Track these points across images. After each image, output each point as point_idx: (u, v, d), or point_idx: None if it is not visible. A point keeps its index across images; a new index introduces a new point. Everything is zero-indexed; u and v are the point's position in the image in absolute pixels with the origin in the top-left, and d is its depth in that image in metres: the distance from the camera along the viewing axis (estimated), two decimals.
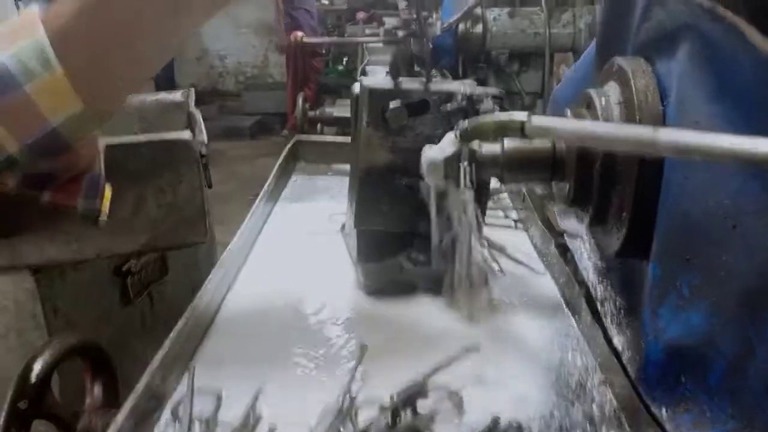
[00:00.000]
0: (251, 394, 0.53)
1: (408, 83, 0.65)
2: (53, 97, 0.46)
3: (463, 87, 0.67)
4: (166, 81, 5.14)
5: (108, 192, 0.53)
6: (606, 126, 0.42)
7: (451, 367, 0.54)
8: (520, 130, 0.50)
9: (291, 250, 0.82)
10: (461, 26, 2.13)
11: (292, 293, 0.70)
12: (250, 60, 6.94)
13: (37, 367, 0.72)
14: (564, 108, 0.86)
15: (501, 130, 0.54)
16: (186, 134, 0.92)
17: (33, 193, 0.49)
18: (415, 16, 0.60)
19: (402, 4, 2.90)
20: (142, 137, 0.91)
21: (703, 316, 0.48)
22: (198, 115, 1.08)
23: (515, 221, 0.92)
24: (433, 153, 0.64)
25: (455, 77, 2.23)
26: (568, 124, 0.46)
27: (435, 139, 0.66)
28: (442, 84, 0.67)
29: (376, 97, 0.64)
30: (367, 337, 0.61)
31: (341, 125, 2.82)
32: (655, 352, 0.54)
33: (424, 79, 0.66)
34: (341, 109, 2.67)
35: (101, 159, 0.51)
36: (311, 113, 2.67)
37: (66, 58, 0.46)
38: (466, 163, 0.61)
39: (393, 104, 0.64)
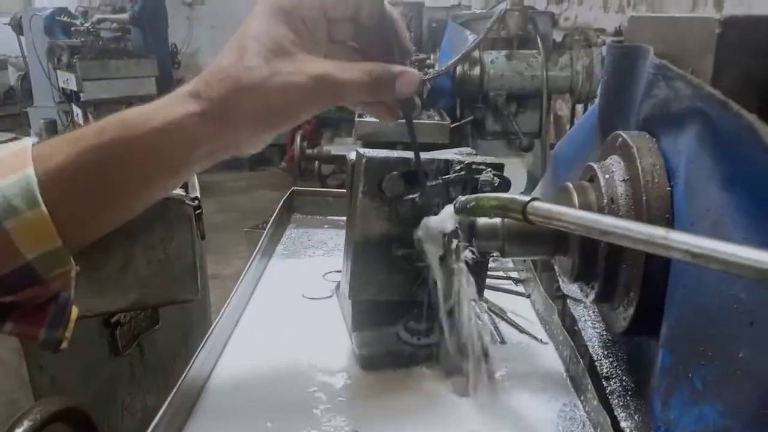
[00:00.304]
0: None
1: (405, 153, 0.64)
2: (32, 234, 0.45)
3: (461, 156, 0.65)
4: None
5: (74, 314, 0.51)
6: (613, 220, 0.40)
7: None
8: (521, 213, 0.48)
9: (283, 316, 0.79)
10: (459, 68, 2.13)
11: (282, 368, 0.67)
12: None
13: None
14: (565, 170, 0.85)
15: (501, 210, 0.51)
16: (178, 190, 0.90)
17: None
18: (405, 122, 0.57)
19: None
20: None
21: (718, 413, 0.45)
22: None
23: (515, 281, 0.89)
24: (432, 225, 0.62)
25: (453, 118, 2.23)
26: (572, 213, 0.43)
27: (433, 209, 0.64)
28: (440, 153, 0.66)
29: (372, 166, 0.62)
30: (361, 420, 0.58)
31: (339, 163, 2.83)
32: None
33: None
34: (339, 148, 2.68)
35: (72, 284, 0.49)
36: (309, 151, 2.68)
37: (52, 200, 0.45)
38: (463, 239, 0.59)
39: (389, 174, 0.62)
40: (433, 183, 0.64)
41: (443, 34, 2.41)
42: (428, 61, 2.30)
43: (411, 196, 0.64)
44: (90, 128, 0.49)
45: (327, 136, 4.39)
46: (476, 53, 2.13)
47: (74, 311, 0.51)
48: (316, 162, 2.59)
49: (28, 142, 0.48)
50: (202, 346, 0.64)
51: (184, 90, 0.50)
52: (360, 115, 2.04)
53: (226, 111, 0.48)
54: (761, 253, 0.32)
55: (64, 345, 0.51)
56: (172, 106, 0.49)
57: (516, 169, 2.28)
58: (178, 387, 0.58)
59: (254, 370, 0.67)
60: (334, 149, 2.54)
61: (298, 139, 2.62)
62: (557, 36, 2.32)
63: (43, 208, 0.44)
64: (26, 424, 0.73)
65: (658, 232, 0.37)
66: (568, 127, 2.71)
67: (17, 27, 5.38)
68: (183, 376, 0.60)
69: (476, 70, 2.15)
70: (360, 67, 0.50)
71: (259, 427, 0.58)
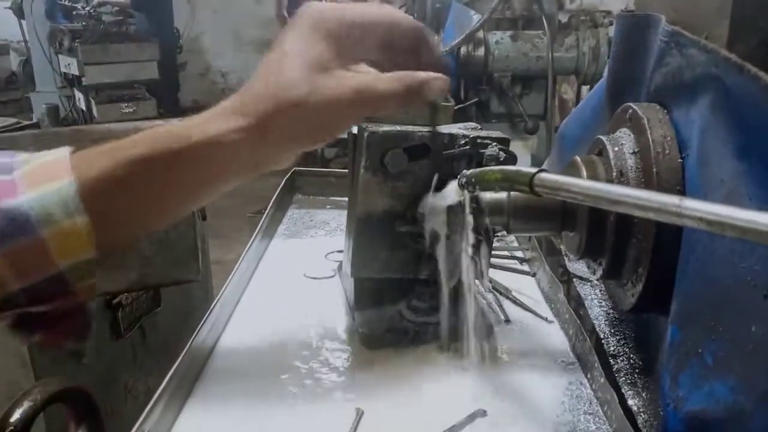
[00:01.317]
0: None
1: (408, 127, 0.62)
2: (67, 244, 0.45)
3: (466, 130, 0.64)
4: (169, 98, 5.13)
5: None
6: (624, 189, 0.39)
7: None
8: (528, 185, 0.47)
9: (284, 295, 0.78)
10: (463, 49, 2.10)
11: (284, 347, 0.66)
12: (252, 75, 6.95)
13: (16, 416, 0.69)
14: (571, 148, 0.83)
15: (507, 183, 0.50)
16: None
17: (23, 332, 0.48)
18: None
19: None
20: None
21: (729, 389, 0.44)
22: None
23: (520, 260, 0.88)
24: (436, 200, 0.61)
25: (457, 100, 2.20)
26: (580, 184, 0.42)
27: (437, 185, 0.62)
28: (445, 127, 0.64)
29: (375, 141, 0.61)
30: (365, 399, 0.57)
31: (342, 146, 2.81)
32: (675, 421, 0.50)
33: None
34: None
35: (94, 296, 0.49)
36: None
37: (89, 209, 0.45)
38: (469, 213, 0.58)
39: (392, 149, 0.61)
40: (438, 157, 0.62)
41: (447, 15, 2.38)
42: None
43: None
44: (131, 139, 0.49)
45: None
46: (480, 34, 2.10)
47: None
48: None
49: (64, 151, 0.48)
50: (203, 323, 0.64)
51: (225, 106, 0.51)
52: None
53: (269, 127, 0.49)
54: None
55: (85, 361, 0.52)
56: (214, 121, 0.49)
57: (520, 152, 2.26)
58: (179, 362, 0.57)
59: (255, 347, 0.66)
60: None
61: None
62: (563, 17, 2.29)
63: (82, 217, 0.45)
64: (26, 404, 0.73)
65: (671, 200, 0.36)
66: (575, 108, 2.67)
67: (18, 11, 5.34)
68: (184, 351, 0.59)
69: (481, 51, 2.12)
70: (392, 77, 0.52)
71: (260, 403, 0.57)
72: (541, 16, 2.13)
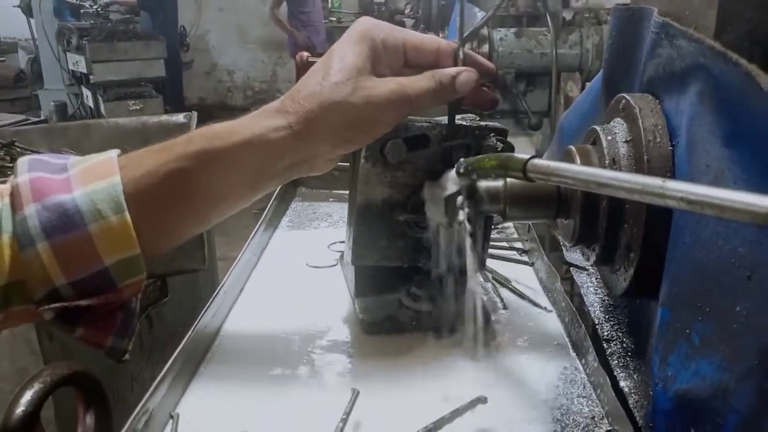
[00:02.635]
0: None
1: (408, 118, 0.64)
2: (114, 240, 0.46)
3: (465, 121, 0.65)
4: (175, 96, 5.17)
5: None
6: (611, 173, 0.40)
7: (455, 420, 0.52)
8: (521, 171, 0.48)
9: (287, 283, 0.80)
10: (467, 46, 2.11)
11: (286, 332, 0.68)
12: (259, 75, 6.99)
13: (25, 399, 0.71)
14: (570, 139, 0.85)
15: (502, 170, 0.52)
16: None
17: (67, 327, 0.49)
18: None
19: (409, 23, 2.91)
20: None
21: (715, 367, 0.46)
22: None
23: (519, 251, 0.89)
24: (434, 190, 0.63)
25: None
26: (571, 169, 0.43)
27: (435, 175, 0.64)
28: (444, 118, 0.66)
29: None
30: (363, 381, 0.59)
31: None
32: (664, 400, 0.52)
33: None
34: None
35: (138, 297, 0.51)
36: None
37: (136, 207, 0.47)
38: (466, 202, 0.59)
39: (392, 139, 0.62)
40: (437, 148, 0.64)
41: (452, 12, 2.39)
42: None
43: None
44: (177, 140, 0.51)
45: None
46: (485, 31, 2.11)
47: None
48: None
49: (113, 153, 0.50)
50: (207, 308, 0.65)
51: (271, 107, 0.53)
52: None
53: (311, 125, 0.51)
54: (756, 197, 0.32)
55: (127, 357, 0.53)
56: (259, 120, 0.52)
57: (524, 148, 2.27)
58: (183, 345, 0.59)
59: (258, 332, 0.68)
60: None
61: None
62: (568, 15, 2.29)
63: (128, 214, 0.46)
64: (36, 386, 0.75)
65: (654, 182, 0.37)
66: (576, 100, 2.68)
67: (27, 9, 5.39)
68: (187, 335, 0.61)
69: (485, 48, 2.13)
70: (425, 74, 0.56)
71: (261, 385, 0.59)
72: (545, 13, 2.14)
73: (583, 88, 2.50)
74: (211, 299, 0.67)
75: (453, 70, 0.58)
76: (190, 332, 0.61)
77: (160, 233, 0.50)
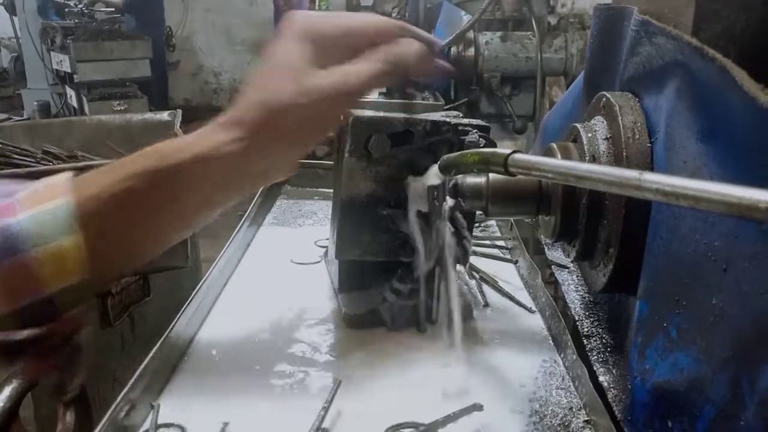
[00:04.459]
0: (217, 430, 0.51)
1: (392, 113, 0.64)
2: (59, 264, 0.43)
3: (448, 117, 0.66)
4: (160, 96, 5.13)
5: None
6: (590, 166, 0.41)
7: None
8: (503, 166, 0.49)
9: (271, 278, 0.80)
10: (453, 49, 2.13)
11: (269, 325, 0.68)
12: (245, 76, 6.96)
13: (4, 396, 0.70)
14: (552, 139, 0.86)
15: (483, 165, 0.52)
16: None
17: (5, 359, 0.46)
18: None
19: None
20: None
21: (692, 359, 0.46)
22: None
23: (501, 249, 0.90)
24: (417, 185, 0.63)
25: (447, 100, 2.23)
26: (551, 163, 0.44)
27: (419, 170, 0.65)
28: (427, 114, 0.66)
29: (359, 126, 0.63)
30: (345, 372, 0.59)
31: (332, 144, 2.82)
32: (642, 393, 0.52)
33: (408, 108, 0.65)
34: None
35: (83, 331, 0.48)
36: None
37: (86, 228, 0.44)
38: (448, 197, 0.60)
39: (376, 134, 0.63)
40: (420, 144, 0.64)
41: (438, 15, 2.41)
42: None
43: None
44: (132, 157, 0.49)
45: None
46: (471, 34, 2.13)
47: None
48: None
49: (66, 175, 0.48)
50: (189, 302, 0.65)
51: (220, 121, 0.52)
52: None
53: (262, 134, 0.50)
54: (730, 188, 0.33)
55: (74, 391, 0.50)
56: (211, 135, 0.51)
57: None
58: (164, 339, 0.59)
59: (241, 327, 0.68)
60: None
61: None
62: (553, 19, 2.32)
63: (75, 236, 0.43)
64: (14, 383, 0.74)
65: (631, 174, 0.38)
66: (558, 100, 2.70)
67: (10, 7, 5.33)
68: (169, 328, 0.61)
69: (471, 51, 2.15)
70: (370, 57, 0.54)
71: (242, 379, 0.59)
72: (531, 17, 2.16)
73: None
74: (194, 293, 0.67)
75: (396, 45, 0.56)
76: (172, 325, 0.61)
77: (117, 254, 0.48)
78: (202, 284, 0.69)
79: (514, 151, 0.49)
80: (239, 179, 0.52)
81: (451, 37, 2.11)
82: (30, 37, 5.00)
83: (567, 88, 2.45)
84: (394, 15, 3.85)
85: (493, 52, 2.15)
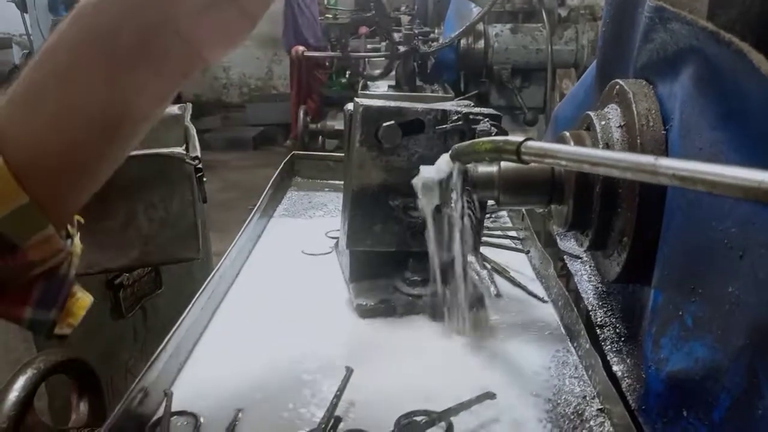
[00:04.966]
0: (230, 418, 0.51)
1: (402, 103, 0.64)
2: None
3: (459, 106, 0.66)
4: None
5: (83, 300, 0.46)
6: (604, 152, 0.40)
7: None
8: (516, 153, 0.49)
9: (283, 269, 0.80)
10: (463, 41, 2.12)
11: (280, 315, 0.68)
12: (254, 72, 6.96)
13: (18, 385, 0.70)
14: (563, 128, 0.85)
15: (496, 153, 0.52)
16: (179, 149, 0.90)
17: None
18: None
19: (405, 20, 2.89)
20: (135, 151, 0.89)
21: (707, 348, 0.46)
22: (192, 130, 1.06)
23: (514, 239, 0.90)
24: (428, 173, 0.63)
25: (457, 92, 2.22)
26: (565, 149, 0.44)
27: (430, 159, 0.64)
28: (438, 104, 0.66)
29: (370, 115, 0.63)
30: (357, 362, 0.59)
31: (342, 138, 2.82)
32: (656, 382, 0.52)
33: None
34: (342, 122, 2.68)
35: (72, 261, 0.43)
36: (312, 126, 2.68)
37: (3, 146, 0.39)
38: (460, 186, 0.60)
39: (386, 123, 0.62)
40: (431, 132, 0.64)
41: (448, 7, 2.40)
42: (432, 35, 2.29)
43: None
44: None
45: (331, 114, 4.35)
46: (481, 26, 2.11)
47: (84, 298, 0.46)
48: (320, 137, 2.59)
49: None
50: (201, 292, 0.65)
51: None
52: (363, 87, 2.03)
53: None
54: (748, 172, 0.33)
55: (65, 331, 0.45)
56: None
57: None
58: (177, 327, 0.59)
59: (252, 316, 0.68)
60: (338, 124, 2.54)
61: (301, 114, 2.62)
62: (563, 11, 2.30)
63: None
64: (29, 372, 0.74)
65: (647, 159, 0.37)
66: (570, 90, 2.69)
67: (21, 4, 5.36)
68: (181, 318, 0.61)
69: (481, 44, 2.14)
70: None
71: (254, 368, 0.59)
72: (541, 9, 2.15)
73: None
74: (206, 283, 0.67)
75: None
76: (185, 313, 0.61)
77: (46, 172, 0.41)
78: (214, 274, 0.70)
79: (527, 139, 0.49)
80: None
81: (460, 30, 2.11)
82: (41, 34, 5.02)
83: (578, 79, 2.44)
84: (403, 9, 3.83)
85: (503, 45, 2.14)
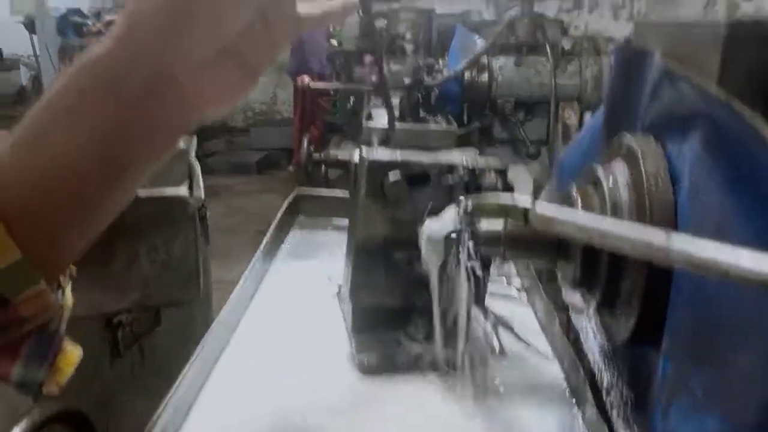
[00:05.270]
0: None
1: (409, 155, 0.63)
2: None
3: (465, 159, 0.65)
4: None
5: (72, 355, 0.43)
6: (614, 224, 0.40)
7: None
8: (523, 216, 0.48)
9: (284, 318, 0.79)
10: (467, 74, 2.13)
11: (280, 368, 0.67)
12: (259, 96, 7.02)
13: None
14: (571, 176, 0.84)
15: (503, 213, 0.51)
16: (183, 190, 0.90)
17: None
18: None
19: (409, 48, 2.91)
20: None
21: (718, 422, 0.45)
22: (197, 167, 1.06)
23: (518, 289, 0.88)
24: (433, 228, 0.62)
25: (460, 124, 2.23)
26: (573, 217, 0.43)
27: (435, 212, 0.63)
28: (444, 155, 0.65)
29: (375, 168, 0.62)
30: (359, 423, 0.58)
31: (346, 168, 2.83)
32: None
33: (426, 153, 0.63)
34: (346, 153, 2.68)
35: (63, 316, 0.42)
36: (316, 155, 2.68)
37: (2, 194, 0.38)
38: (465, 242, 0.59)
39: (392, 176, 0.62)
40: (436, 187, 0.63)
41: (452, 39, 2.41)
42: (436, 66, 2.30)
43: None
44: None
45: (335, 141, 4.37)
46: (484, 59, 2.12)
47: (74, 352, 0.43)
48: (323, 166, 2.58)
49: None
50: (202, 347, 0.64)
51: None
52: (368, 119, 2.03)
53: (134, 14, 0.41)
54: (764, 260, 0.32)
55: (53, 390, 0.42)
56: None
57: (523, 177, 2.28)
58: (175, 389, 0.58)
59: (253, 370, 0.67)
60: (341, 154, 2.53)
61: (305, 143, 2.62)
62: (567, 44, 2.32)
63: None
64: (25, 424, 0.73)
65: (657, 237, 0.37)
66: (576, 136, 2.69)
67: (30, 26, 5.43)
68: (181, 376, 0.60)
69: (484, 76, 2.15)
70: None
71: (255, 427, 0.58)
72: (545, 42, 2.16)
73: (581, 117, 2.51)
74: (205, 336, 0.66)
75: None
76: (183, 373, 0.60)
77: (41, 224, 0.40)
78: (215, 326, 0.69)
79: (535, 202, 0.48)
80: (127, 91, 0.41)
81: (464, 62, 2.12)
82: (49, 56, 5.08)
83: (580, 112, 2.45)
84: (407, 37, 3.86)
85: (507, 78, 2.15)
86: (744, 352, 0.42)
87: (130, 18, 0.42)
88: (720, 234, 0.44)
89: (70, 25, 5.27)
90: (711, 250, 0.33)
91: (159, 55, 0.42)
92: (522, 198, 0.49)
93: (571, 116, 2.96)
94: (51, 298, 0.40)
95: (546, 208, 0.47)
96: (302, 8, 0.48)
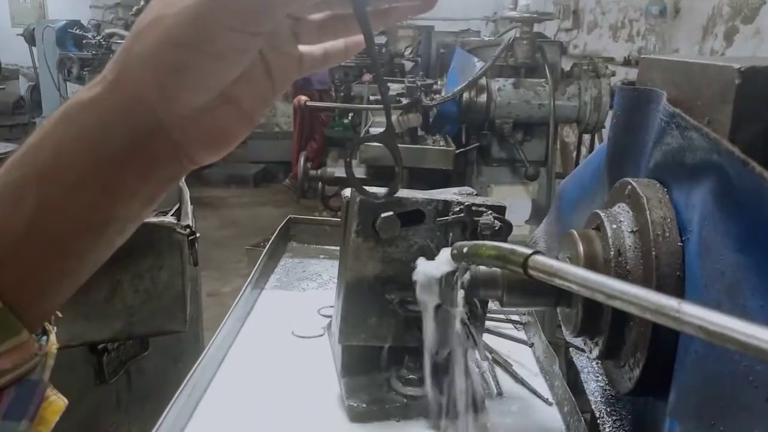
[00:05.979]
0: None
1: (402, 192, 0.61)
2: None
3: (462, 196, 0.62)
4: None
5: (57, 405, 0.41)
6: (619, 285, 0.37)
7: None
8: (522, 267, 0.45)
9: (271, 354, 0.76)
10: (465, 95, 2.11)
11: (267, 411, 0.64)
12: None
13: None
14: (570, 209, 0.82)
15: (501, 262, 0.48)
16: (169, 218, 0.87)
17: None
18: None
19: (408, 66, 2.90)
20: None
21: None
22: (186, 192, 1.03)
23: (516, 324, 0.86)
24: (428, 270, 0.59)
25: (458, 144, 2.21)
26: (575, 272, 0.40)
27: (429, 251, 0.61)
28: (439, 193, 0.63)
29: (367, 205, 0.59)
30: None
31: (342, 185, 2.80)
32: None
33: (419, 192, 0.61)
34: (342, 170, 2.65)
35: (47, 364, 0.39)
36: (312, 172, 2.65)
37: None
38: (461, 285, 0.56)
39: (385, 214, 0.59)
40: (431, 225, 0.61)
41: (451, 60, 2.40)
42: (435, 86, 2.28)
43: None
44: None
45: (332, 155, 4.35)
46: (483, 80, 2.11)
47: (58, 402, 0.41)
48: (319, 183, 2.56)
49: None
50: (185, 384, 0.61)
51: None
52: (365, 139, 2.01)
53: (126, 60, 0.38)
54: None
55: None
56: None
57: (521, 198, 2.25)
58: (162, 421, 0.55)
59: (237, 413, 0.64)
60: (338, 171, 2.51)
61: (302, 159, 2.60)
62: (566, 64, 2.30)
63: None
64: None
65: (669, 303, 0.34)
66: (574, 155, 2.68)
67: (30, 38, 5.43)
68: (162, 418, 0.56)
69: (483, 98, 2.13)
70: None
71: None
72: (544, 64, 2.15)
73: (580, 137, 2.50)
74: (190, 373, 0.63)
75: None
76: (165, 413, 0.57)
77: (21, 274, 0.39)
78: (201, 361, 0.65)
79: (535, 252, 0.45)
80: (117, 140, 0.39)
81: (463, 83, 2.10)
82: (47, 67, 5.07)
83: (579, 134, 2.43)
84: (407, 55, 3.86)
85: (506, 99, 2.13)
86: (758, 420, 0.39)
87: (126, 58, 0.39)
88: (733, 294, 0.42)
89: (70, 37, 5.26)
90: (726, 321, 0.31)
91: (151, 103, 0.40)
92: (521, 249, 0.46)
93: (569, 134, 2.94)
94: (34, 346, 0.38)
95: (545, 262, 0.44)
96: (303, 49, 0.46)
